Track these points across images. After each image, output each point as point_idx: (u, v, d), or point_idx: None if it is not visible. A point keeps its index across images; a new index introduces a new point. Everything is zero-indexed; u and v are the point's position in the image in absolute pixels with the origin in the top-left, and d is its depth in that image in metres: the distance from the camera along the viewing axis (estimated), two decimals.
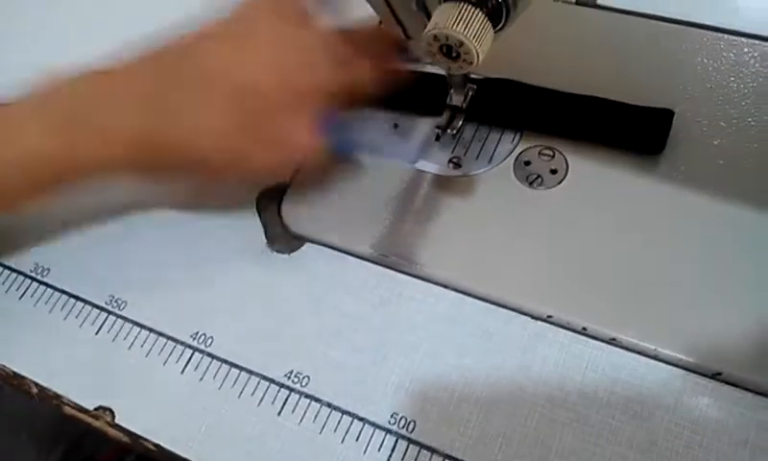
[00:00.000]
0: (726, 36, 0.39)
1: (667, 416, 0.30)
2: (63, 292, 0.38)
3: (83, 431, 0.94)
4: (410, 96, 0.39)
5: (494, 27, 0.26)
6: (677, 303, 0.32)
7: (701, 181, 0.35)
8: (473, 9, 0.25)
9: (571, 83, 0.38)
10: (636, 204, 0.35)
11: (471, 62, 0.26)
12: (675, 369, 0.31)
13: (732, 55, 0.38)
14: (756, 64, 0.38)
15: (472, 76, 0.37)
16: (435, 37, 0.25)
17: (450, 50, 0.26)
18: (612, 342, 0.32)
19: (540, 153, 0.37)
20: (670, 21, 0.40)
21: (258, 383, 0.34)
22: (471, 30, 0.25)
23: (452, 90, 0.36)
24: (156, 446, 0.33)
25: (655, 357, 0.31)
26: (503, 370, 0.32)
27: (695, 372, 0.31)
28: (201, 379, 0.34)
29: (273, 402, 0.33)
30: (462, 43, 0.25)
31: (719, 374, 0.30)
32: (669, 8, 0.40)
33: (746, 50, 0.38)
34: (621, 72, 0.39)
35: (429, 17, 0.27)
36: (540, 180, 0.37)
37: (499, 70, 0.39)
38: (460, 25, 0.25)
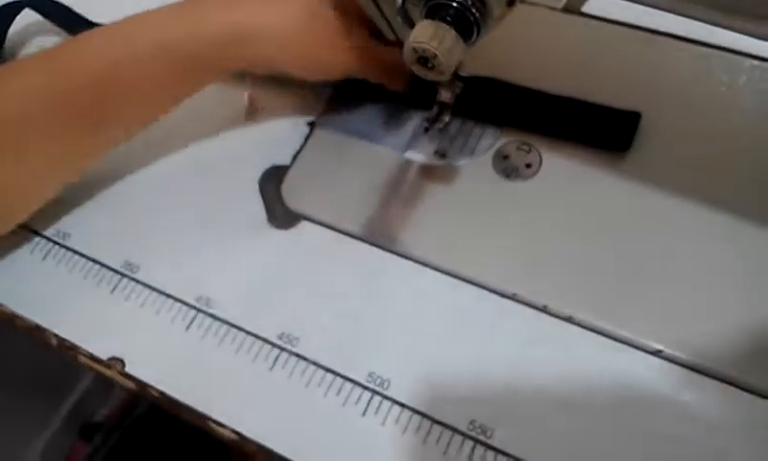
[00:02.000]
0: (694, 46, 0.44)
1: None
2: (82, 255, 0.44)
3: (81, 397, 1.00)
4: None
5: (466, 41, 0.31)
6: (632, 288, 0.37)
7: (664, 179, 0.40)
8: (447, 26, 0.30)
9: (551, 83, 0.43)
10: (601, 198, 0.40)
11: (443, 73, 0.31)
12: (636, 352, 0.36)
13: (699, 64, 0.43)
14: (722, 75, 0.43)
15: (460, 74, 0.42)
16: (413, 50, 0.31)
17: (426, 61, 0.31)
18: (568, 320, 0.37)
19: (517, 147, 0.43)
20: (645, 30, 0.45)
21: (254, 342, 0.39)
22: (444, 45, 0.30)
23: (441, 87, 0.42)
24: (161, 393, 0.39)
25: (607, 335, 0.37)
26: (471, 341, 0.38)
27: (643, 350, 0.36)
28: (203, 337, 0.40)
29: (266, 360, 0.39)
30: (435, 56, 0.30)
31: (660, 351, 0.36)
32: (645, 18, 0.45)
33: (713, 61, 0.43)
34: (597, 75, 0.44)
35: (412, 26, 0.32)
36: (516, 172, 0.42)
37: (488, 69, 0.44)
38: (434, 41, 0.30)
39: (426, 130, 0.43)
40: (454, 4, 0.30)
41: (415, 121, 0.45)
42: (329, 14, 0.40)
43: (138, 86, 0.40)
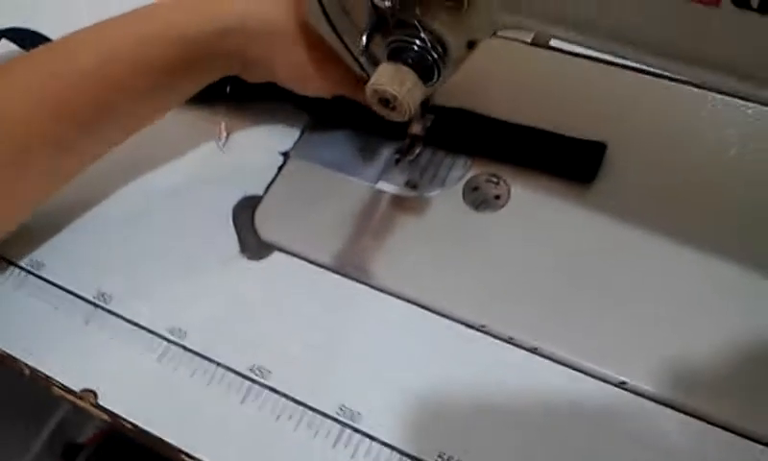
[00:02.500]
0: (659, 80, 0.45)
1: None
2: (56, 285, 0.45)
3: (64, 417, 1.00)
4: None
5: (427, 83, 0.32)
6: (597, 320, 0.38)
7: (629, 209, 0.41)
8: (408, 69, 0.31)
9: (520, 115, 0.44)
10: (568, 230, 0.41)
11: (404, 114, 0.32)
12: (601, 384, 0.37)
13: (663, 97, 0.44)
14: (685, 108, 0.44)
15: (430, 105, 0.43)
16: (375, 91, 0.31)
17: (387, 102, 0.32)
18: (534, 351, 0.38)
19: (486, 179, 0.44)
20: (611, 64, 0.46)
21: (225, 374, 0.40)
22: (404, 88, 0.31)
23: (412, 119, 0.43)
24: (134, 425, 0.40)
25: (573, 367, 0.37)
26: (440, 373, 0.38)
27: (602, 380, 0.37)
28: (175, 369, 0.41)
29: (237, 392, 0.39)
30: (396, 98, 0.31)
31: (624, 382, 0.36)
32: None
33: (676, 94, 0.44)
34: (564, 107, 0.45)
35: (377, 66, 0.33)
36: (485, 204, 0.43)
37: (457, 100, 0.45)
38: (395, 84, 0.31)
39: (397, 161, 0.44)
40: (415, 47, 0.31)
41: (386, 152, 0.46)
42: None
43: (132, 83, 0.41)
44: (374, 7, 0.30)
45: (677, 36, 0.26)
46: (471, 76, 0.40)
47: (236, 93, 0.48)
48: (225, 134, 0.49)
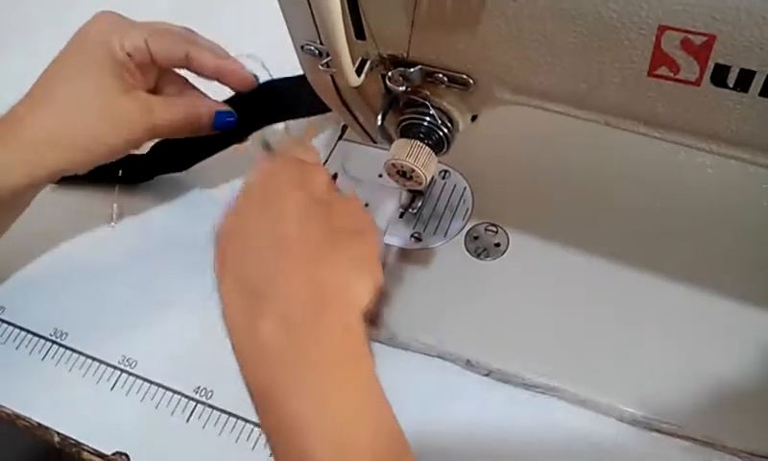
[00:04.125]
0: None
1: None
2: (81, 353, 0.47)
3: None
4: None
5: (438, 153, 0.36)
6: (603, 355, 0.42)
7: (619, 252, 0.45)
8: (421, 144, 0.35)
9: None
10: (563, 272, 0.45)
11: (420, 183, 0.36)
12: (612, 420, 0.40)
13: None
14: (661, 157, 0.48)
15: None
16: (393, 165, 0.35)
17: (405, 173, 0.35)
18: (552, 392, 0.41)
19: (485, 229, 0.47)
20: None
21: (252, 430, 0.43)
22: (420, 160, 0.35)
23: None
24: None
25: (583, 404, 0.41)
26: (453, 415, 0.42)
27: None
28: (203, 428, 0.43)
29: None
30: (413, 170, 0.35)
31: (627, 412, 0.40)
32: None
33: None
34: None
35: (389, 139, 0.37)
36: (486, 252, 0.47)
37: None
38: (411, 157, 0.35)
39: (401, 215, 0.48)
40: (425, 122, 0.35)
41: (390, 207, 0.49)
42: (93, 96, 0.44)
43: None
44: (388, 90, 0.34)
45: (662, 112, 0.30)
46: None
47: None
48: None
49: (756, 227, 0.45)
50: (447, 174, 0.50)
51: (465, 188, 0.49)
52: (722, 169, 0.47)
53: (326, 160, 0.52)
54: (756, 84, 0.28)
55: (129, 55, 0.44)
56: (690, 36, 0.27)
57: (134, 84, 0.45)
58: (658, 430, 0.39)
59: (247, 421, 0.43)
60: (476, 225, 0.48)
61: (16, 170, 0.43)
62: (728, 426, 0.38)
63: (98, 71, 0.44)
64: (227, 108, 0.49)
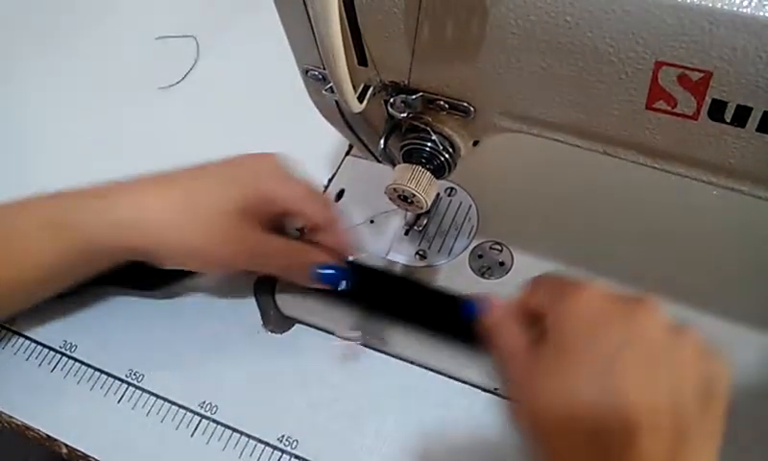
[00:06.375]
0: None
1: None
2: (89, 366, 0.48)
3: None
4: None
5: (439, 178, 0.37)
6: None
7: (617, 272, 0.45)
8: (422, 169, 0.36)
9: None
10: None
11: (421, 208, 0.36)
12: None
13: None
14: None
15: None
16: (394, 190, 0.36)
17: (406, 198, 0.36)
18: None
19: (490, 247, 0.48)
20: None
21: (255, 446, 0.43)
22: (421, 185, 0.35)
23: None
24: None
25: None
26: (456, 431, 0.42)
27: None
28: (207, 443, 0.44)
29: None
30: (414, 195, 0.35)
31: None
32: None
33: None
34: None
35: (394, 164, 0.38)
36: (490, 271, 0.47)
37: None
38: (412, 182, 0.35)
39: (406, 232, 0.48)
40: (427, 147, 0.36)
41: (395, 225, 0.50)
42: (208, 203, 0.41)
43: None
44: (390, 116, 0.35)
45: (660, 143, 0.31)
46: None
47: None
48: None
49: (761, 250, 0.46)
50: (453, 191, 0.51)
51: (470, 206, 0.50)
52: (727, 192, 0.47)
53: (333, 177, 0.53)
54: (754, 120, 0.28)
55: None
56: (687, 71, 0.28)
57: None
58: None
59: (250, 436, 0.44)
60: (481, 243, 0.48)
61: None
62: None
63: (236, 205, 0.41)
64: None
